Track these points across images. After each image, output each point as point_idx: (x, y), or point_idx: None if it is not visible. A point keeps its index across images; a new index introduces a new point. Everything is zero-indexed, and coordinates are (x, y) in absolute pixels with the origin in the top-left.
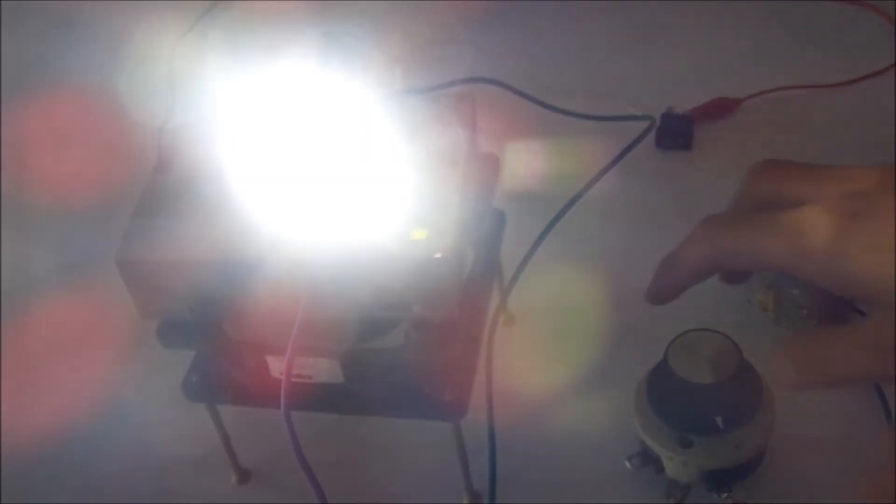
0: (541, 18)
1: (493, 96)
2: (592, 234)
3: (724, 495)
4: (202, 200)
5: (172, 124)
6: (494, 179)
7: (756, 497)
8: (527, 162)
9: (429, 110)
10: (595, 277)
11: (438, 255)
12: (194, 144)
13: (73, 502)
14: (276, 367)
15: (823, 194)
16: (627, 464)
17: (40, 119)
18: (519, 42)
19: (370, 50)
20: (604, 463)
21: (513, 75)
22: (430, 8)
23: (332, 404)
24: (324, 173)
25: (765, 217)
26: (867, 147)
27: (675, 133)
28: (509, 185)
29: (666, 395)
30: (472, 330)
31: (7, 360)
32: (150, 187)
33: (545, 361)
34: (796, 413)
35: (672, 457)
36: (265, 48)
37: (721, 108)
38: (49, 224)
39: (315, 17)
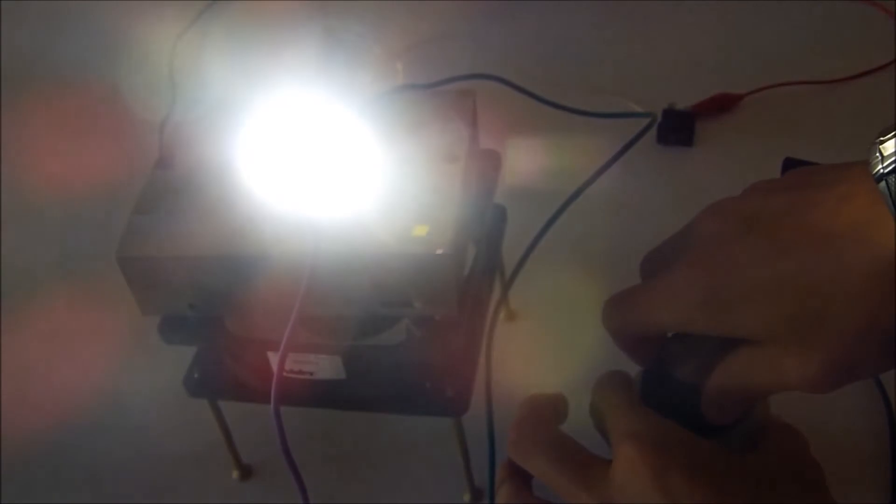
0: (542, 15)
1: (494, 92)
2: (594, 230)
3: None
4: (203, 196)
5: (174, 120)
6: (495, 175)
7: None
8: (528, 158)
9: (430, 106)
10: (596, 273)
11: (439, 251)
12: (195, 141)
13: (75, 499)
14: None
15: (689, 251)
16: None
17: (41, 116)
18: (520, 38)
19: (371, 46)
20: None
21: (514, 71)
22: (430, 4)
23: (334, 400)
24: (324, 170)
25: (645, 288)
26: (867, 143)
27: (676, 129)
28: (510, 181)
29: (659, 393)
30: (474, 326)
31: (7, 357)
32: (151, 183)
33: (546, 357)
34: (795, 411)
35: None
36: (266, 44)
37: (722, 104)
38: (50, 221)
39: (316, 13)
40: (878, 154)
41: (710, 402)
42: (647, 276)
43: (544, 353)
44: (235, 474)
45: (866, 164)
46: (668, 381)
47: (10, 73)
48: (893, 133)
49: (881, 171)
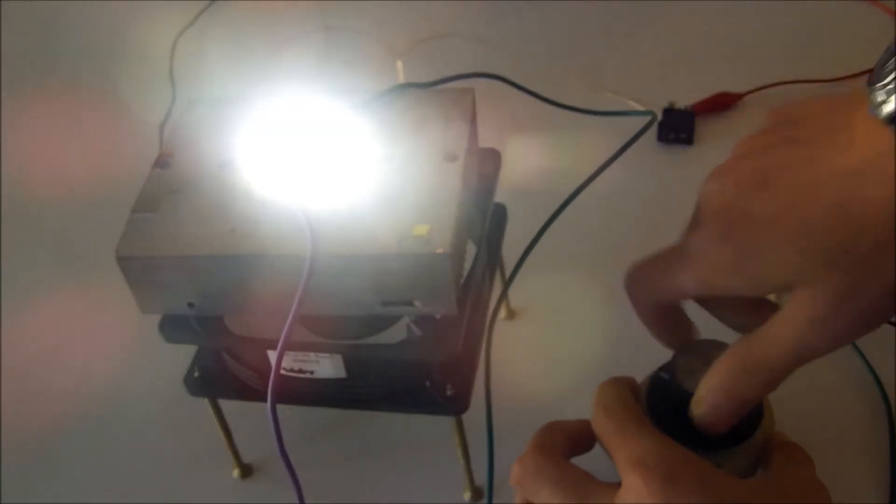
0: (542, 13)
1: (494, 91)
2: (594, 229)
3: None
4: (202, 196)
5: (173, 120)
6: (495, 174)
7: None
8: (528, 156)
9: (429, 105)
10: (596, 272)
11: (440, 251)
12: (194, 140)
13: (75, 499)
14: None
15: (703, 219)
16: None
17: (41, 116)
18: (520, 37)
19: (371, 45)
20: (603, 461)
21: (514, 70)
22: (430, 3)
23: (335, 399)
24: (324, 169)
25: (665, 254)
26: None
27: (676, 127)
28: (511, 180)
29: (667, 403)
30: (474, 325)
31: (7, 357)
32: (150, 183)
33: (546, 356)
34: (795, 413)
35: None
36: (266, 43)
37: (722, 103)
38: (50, 221)
39: (316, 12)
40: (882, 97)
41: (701, 407)
42: None
43: (544, 351)
44: (236, 473)
45: (858, 101)
46: (678, 392)
47: (10, 73)
48: (893, 75)
49: (892, 111)
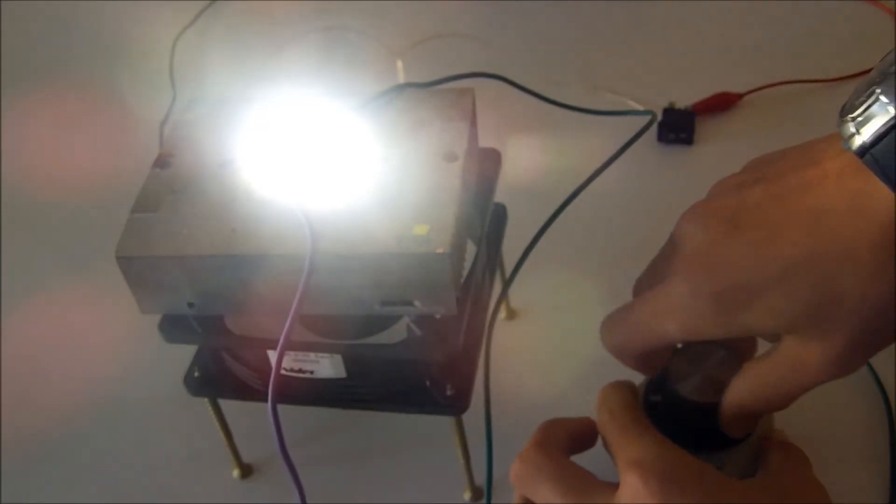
0: (542, 13)
1: (494, 91)
2: (594, 229)
3: None
4: (202, 196)
5: (173, 120)
6: (495, 174)
7: None
8: (528, 156)
9: (429, 105)
10: (596, 272)
11: (440, 250)
12: (194, 140)
13: (75, 499)
14: None
15: (680, 261)
16: None
17: (41, 116)
18: (520, 37)
19: (371, 45)
20: (604, 460)
21: (514, 70)
22: (431, 3)
23: (334, 399)
24: (324, 169)
25: (643, 302)
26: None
27: (676, 127)
28: (511, 180)
29: (663, 406)
30: (474, 324)
31: (7, 357)
32: (150, 182)
33: (546, 356)
34: (794, 413)
35: None
36: (266, 43)
37: (723, 103)
38: (50, 221)
39: (316, 12)
40: (852, 129)
41: (728, 419)
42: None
43: (544, 351)
44: (236, 473)
45: (833, 141)
46: (673, 397)
47: (10, 73)
48: (863, 107)
49: (864, 143)
